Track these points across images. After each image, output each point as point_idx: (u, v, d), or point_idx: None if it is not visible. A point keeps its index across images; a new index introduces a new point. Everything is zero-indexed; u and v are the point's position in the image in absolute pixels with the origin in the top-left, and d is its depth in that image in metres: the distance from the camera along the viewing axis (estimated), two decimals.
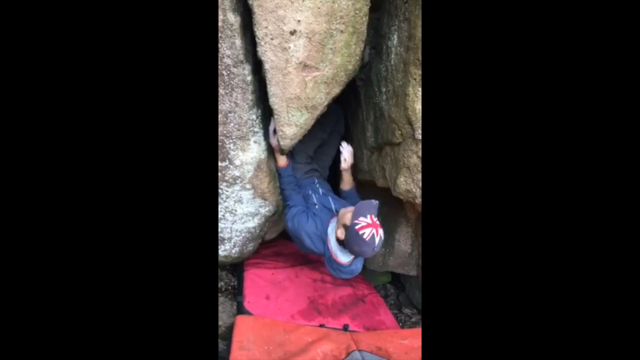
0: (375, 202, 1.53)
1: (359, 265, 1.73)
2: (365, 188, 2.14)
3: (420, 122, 1.36)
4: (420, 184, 1.50)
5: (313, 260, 2.50)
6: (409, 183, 1.54)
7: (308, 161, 2.03)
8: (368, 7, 1.38)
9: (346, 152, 1.97)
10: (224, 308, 2.09)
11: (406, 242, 2.41)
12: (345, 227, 1.53)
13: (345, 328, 1.98)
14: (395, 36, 1.44)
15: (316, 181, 1.99)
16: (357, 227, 1.46)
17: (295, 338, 1.73)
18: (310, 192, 1.89)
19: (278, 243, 2.54)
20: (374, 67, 1.67)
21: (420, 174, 1.49)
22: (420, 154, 1.44)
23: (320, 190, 1.92)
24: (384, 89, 1.56)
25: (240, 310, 1.91)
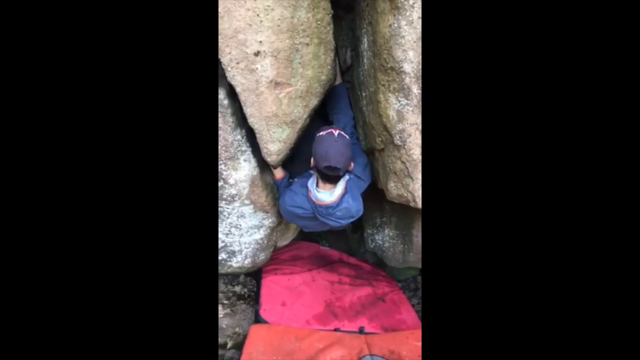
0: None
1: (351, 202, 1.61)
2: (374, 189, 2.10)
3: (397, 128, 1.30)
4: (410, 188, 1.45)
5: (330, 262, 2.52)
6: (399, 188, 1.49)
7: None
8: (330, 15, 1.34)
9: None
10: (245, 315, 2.18)
11: None
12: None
13: (361, 330, 1.98)
14: (365, 39, 1.39)
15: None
16: (318, 134, 1.49)
17: (306, 345, 1.77)
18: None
19: (296, 245, 2.59)
20: (355, 70, 1.62)
21: (409, 178, 1.43)
22: (403, 159, 1.38)
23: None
24: (364, 94, 1.52)
25: (257, 318, 1.99)
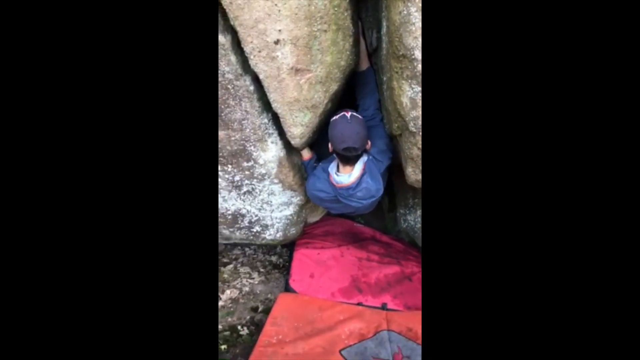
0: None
1: (370, 182, 1.64)
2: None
3: (410, 115, 1.30)
4: None
5: (361, 239, 2.60)
6: (417, 173, 1.50)
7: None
8: (347, 0, 1.34)
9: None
10: (278, 284, 2.37)
11: None
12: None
13: (384, 307, 2.06)
14: (384, 24, 1.37)
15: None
16: (332, 119, 1.56)
17: (328, 316, 1.90)
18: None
19: (330, 221, 2.69)
20: (378, 53, 1.61)
21: None
22: (419, 145, 1.38)
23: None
24: (384, 78, 1.51)
25: (286, 288, 2.15)
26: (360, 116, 1.53)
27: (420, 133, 1.33)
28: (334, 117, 1.54)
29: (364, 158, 1.65)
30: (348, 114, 1.51)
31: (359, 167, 1.61)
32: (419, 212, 2.46)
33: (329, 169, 1.69)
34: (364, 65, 1.83)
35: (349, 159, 1.57)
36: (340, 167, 1.62)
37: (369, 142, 1.64)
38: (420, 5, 1.09)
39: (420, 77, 1.21)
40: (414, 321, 1.89)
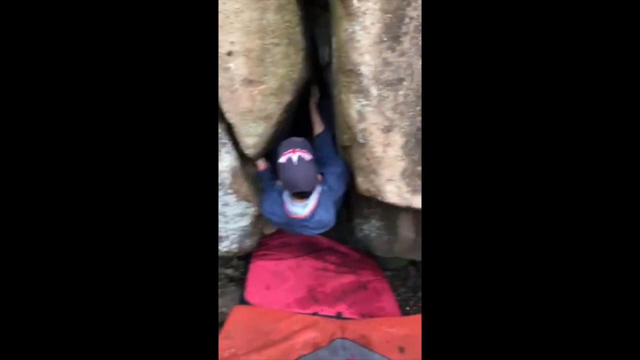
0: (297, 138, 1.57)
1: (323, 214, 1.68)
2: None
3: (358, 127, 1.36)
4: (375, 183, 1.51)
5: (318, 249, 2.62)
6: (366, 182, 1.56)
7: None
8: (298, 16, 1.39)
9: (314, 89, 1.93)
10: (233, 297, 2.33)
11: (409, 229, 2.40)
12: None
13: (339, 315, 2.09)
14: (334, 39, 1.44)
15: None
16: (278, 161, 1.53)
17: (283, 327, 1.88)
18: None
19: (287, 232, 2.69)
20: (330, 68, 1.67)
21: (374, 174, 1.50)
22: (367, 156, 1.44)
23: None
24: (335, 92, 1.57)
25: (241, 300, 2.12)
26: (307, 156, 1.52)
27: (368, 144, 1.39)
28: (281, 160, 1.53)
29: (318, 189, 1.67)
30: (295, 156, 1.49)
31: (313, 198, 1.63)
32: (373, 222, 2.53)
33: (284, 197, 1.69)
34: (319, 128, 1.91)
35: (302, 195, 1.60)
36: (295, 197, 1.64)
37: (320, 176, 1.65)
38: (365, 24, 1.16)
39: (366, 91, 1.28)
40: (368, 328, 1.93)
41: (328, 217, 1.71)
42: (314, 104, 1.95)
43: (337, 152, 1.87)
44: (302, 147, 1.53)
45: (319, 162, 1.73)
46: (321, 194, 1.68)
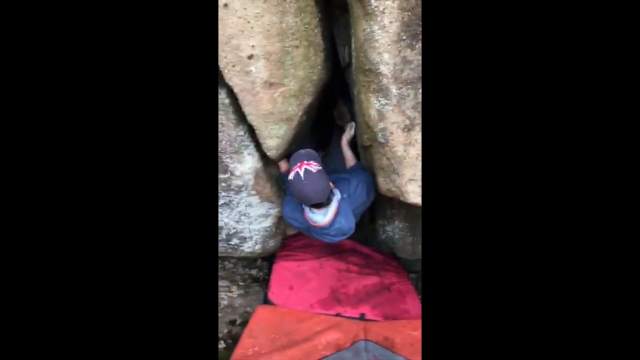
0: (304, 151, 1.59)
1: (343, 222, 1.68)
2: None
3: (378, 127, 1.36)
4: (397, 183, 1.50)
5: (341, 250, 2.62)
6: (388, 183, 1.55)
7: None
8: (317, 18, 1.40)
9: (349, 126, 1.96)
10: (257, 297, 2.36)
11: None
12: None
13: (362, 317, 2.08)
14: (353, 40, 1.44)
15: None
16: (289, 179, 1.55)
17: (306, 327, 1.89)
18: None
19: None
20: (351, 68, 1.67)
21: (396, 174, 1.48)
22: (388, 155, 1.43)
23: None
24: (355, 92, 1.57)
25: (265, 300, 2.15)
26: (314, 167, 1.52)
27: (388, 144, 1.38)
28: (290, 177, 1.55)
29: (337, 196, 1.68)
30: (302, 171, 1.50)
31: (333, 206, 1.63)
32: (397, 223, 2.50)
33: (304, 204, 1.70)
34: (351, 162, 1.97)
35: (319, 204, 1.60)
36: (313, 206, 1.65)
37: (332, 184, 1.65)
38: (383, 24, 1.15)
39: (386, 90, 1.27)
40: (391, 330, 1.91)
41: (348, 224, 1.71)
42: (346, 141, 1.99)
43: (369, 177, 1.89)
44: (308, 159, 1.55)
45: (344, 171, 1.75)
46: (340, 202, 1.69)
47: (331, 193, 1.63)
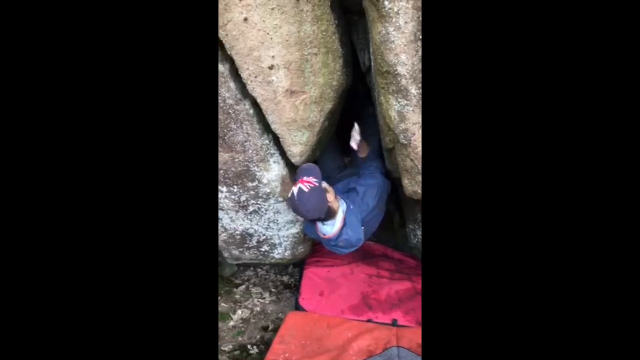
0: (305, 165, 1.61)
1: (350, 233, 1.68)
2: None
3: (400, 128, 1.35)
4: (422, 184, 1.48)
5: (372, 256, 2.59)
6: (413, 185, 1.53)
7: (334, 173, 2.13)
8: (334, 25, 1.43)
9: (355, 133, 1.95)
10: (289, 303, 2.39)
11: None
12: None
13: (394, 323, 2.04)
14: (371, 43, 1.45)
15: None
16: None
17: (337, 333, 1.89)
18: None
19: None
20: (371, 72, 1.68)
21: (420, 175, 1.46)
22: (411, 156, 1.42)
23: None
24: (375, 95, 1.58)
25: (296, 306, 2.16)
26: (307, 186, 1.53)
27: (411, 145, 1.37)
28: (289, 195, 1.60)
29: (343, 208, 1.68)
30: (296, 189, 1.53)
31: (339, 218, 1.64)
32: None
33: None
34: (363, 152, 1.96)
35: (326, 217, 1.63)
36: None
37: (336, 197, 1.66)
38: (398, 24, 1.16)
39: (405, 91, 1.26)
40: None
41: (355, 236, 1.71)
42: (355, 143, 1.97)
43: (380, 166, 1.89)
44: (308, 175, 1.57)
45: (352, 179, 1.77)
46: (347, 214, 1.69)
47: (336, 205, 1.66)
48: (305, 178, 1.57)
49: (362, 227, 1.74)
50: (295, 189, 1.56)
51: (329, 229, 1.66)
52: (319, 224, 1.69)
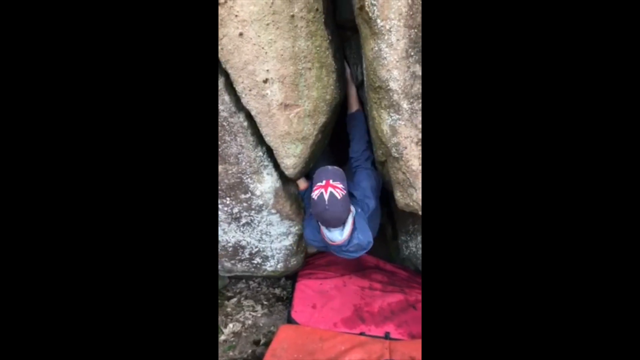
0: (331, 167, 1.57)
1: (361, 237, 1.67)
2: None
3: (391, 142, 1.37)
4: (414, 197, 1.49)
5: (364, 268, 2.59)
6: (405, 197, 1.54)
7: None
8: (327, 41, 1.46)
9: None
10: (281, 316, 2.37)
11: None
12: None
13: (387, 336, 2.03)
14: (364, 59, 1.48)
15: None
16: (312, 193, 1.54)
17: (329, 346, 1.88)
18: None
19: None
20: (364, 86, 1.71)
21: (412, 188, 1.48)
22: (403, 170, 1.44)
23: None
24: (367, 109, 1.60)
25: (288, 319, 2.15)
26: (339, 192, 1.51)
27: (403, 158, 1.39)
28: (313, 194, 1.55)
29: (352, 212, 1.68)
30: (327, 194, 1.50)
31: (348, 224, 1.64)
32: (419, 239, 2.46)
33: (321, 224, 1.70)
34: (354, 107, 1.92)
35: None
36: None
37: (352, 208, 1.66)
38: (390, 42, 1.19)
39: (397, 106, 1.29)
40: (417, 350, 1.86)
41: (366, 239, 1.71)
42: (354, 86, 1.90)
43: (370, 143, 1.86)
44: (335, 179, 1.55)
45: (350, 171, 1.75)
46: (355, 218, 1.69)
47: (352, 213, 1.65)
48: (332, 182, 1.53)
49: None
50: (325, 193, 1.50)
51: (338, 235, 1.63)
52: (325, 231, 1.66)
